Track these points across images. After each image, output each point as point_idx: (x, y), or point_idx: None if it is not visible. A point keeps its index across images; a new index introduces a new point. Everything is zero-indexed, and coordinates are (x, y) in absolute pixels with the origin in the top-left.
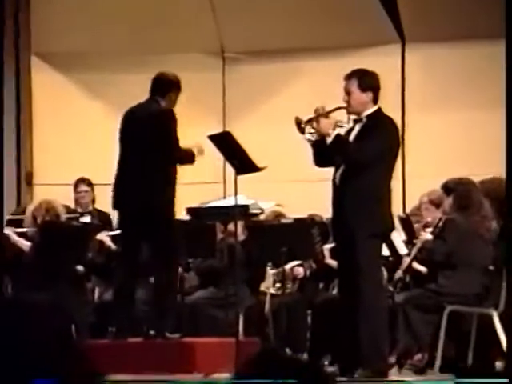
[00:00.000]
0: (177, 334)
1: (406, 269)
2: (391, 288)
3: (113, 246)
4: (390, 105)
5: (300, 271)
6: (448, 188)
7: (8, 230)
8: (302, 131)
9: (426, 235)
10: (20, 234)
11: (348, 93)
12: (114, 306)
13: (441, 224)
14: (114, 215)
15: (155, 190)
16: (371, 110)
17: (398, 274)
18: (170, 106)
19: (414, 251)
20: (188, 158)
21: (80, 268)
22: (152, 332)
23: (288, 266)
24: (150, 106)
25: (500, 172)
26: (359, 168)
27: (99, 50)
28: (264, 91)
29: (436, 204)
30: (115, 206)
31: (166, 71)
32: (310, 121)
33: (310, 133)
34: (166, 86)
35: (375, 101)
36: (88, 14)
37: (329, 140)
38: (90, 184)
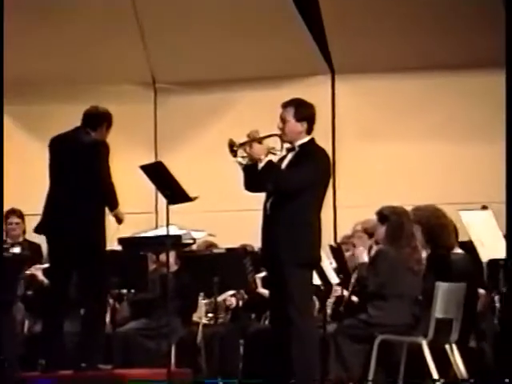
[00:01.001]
0: (108, 365)
1: (340, 298)
2: (328, 316)
3: (45, 280)
4: (320, 134)
5: (232, 301)
6: (383, 215)
7: None
8: (235, 154)
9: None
10: None
11: (283, 121)
12: (42, 337)
13: (372, 253)
14: (45, 246)
15: (86, 220)
16: (305, 139)
17: (330, 302)
18: (101, 138)
19: (353, 282)
20: (114, 197)
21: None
22: (83, 364)
23: (220, 297)
24: (81, 136)
25: (429, 201)
26: (289, 196)
27: (29, 81)
28: (196, 122)
29: (369, 233)
30: (39, 230)
31: (97, 105)
32: (243, 144)
33: (242, 156)
34: (97, 120)
35: (309, 131)
36: (19, 45)
37: (260, 165)
38: (21, 215)
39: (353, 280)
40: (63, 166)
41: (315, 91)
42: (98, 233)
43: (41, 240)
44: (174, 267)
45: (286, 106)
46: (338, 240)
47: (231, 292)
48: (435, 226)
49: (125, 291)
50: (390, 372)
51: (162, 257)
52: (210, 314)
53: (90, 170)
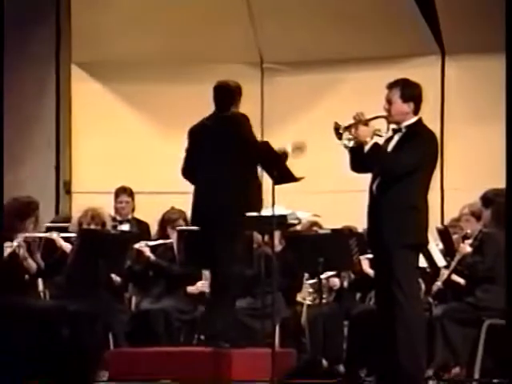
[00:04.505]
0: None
1: (446, 281)
2: (431, 299)
3: (152, 257)
4: (429, 116)
5: (336, 282)
6: (487, 199)
7: (54, 234)
8: (340, 137)
9: (466, 247)
10: (66, 239)
11: (389, 102)
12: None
13: (480, 237)
14: (154, 225)
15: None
16: (411, 120)
17: (437, 285)
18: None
19: (454, 264)
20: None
21: (117, 278)
22: (202, 337)
23: (324, 277)
24: (223, 114)
25: None
26: (396, 178)
27: (139, 60)
28: (302, 102)
29: (477, 216)
30: (193, 221)
31: (225, 81)
32: (348, 127)
33: (348, 139)
34: (231, 97)
35: (416, 112)
36: (128, 24)
37: (366, 148)
38: (131, 193)
39: (455, 261)
40: (211, 148)
41: (424, 72)
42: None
43: (149, 219)
44: (278, 247)
45: (391, 86)
46: (446, 223)
47: (334, 272)
48: None
49: None
50: (499, 357)
51: (267, 237)
52: (314, 295)
53: (240, 143)
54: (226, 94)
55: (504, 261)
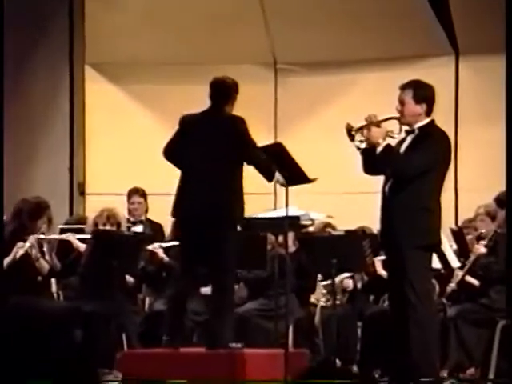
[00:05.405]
0: (238, 343)
1: (460, 282)
2: (445, 300)
3: (165, 258)
4: (442, 117)
5: (349, 283)
6: (501, 200)
7: (71, 236)
8: (352, 138)
9: (480, 248)
10: (81, 240)
11: (402, 103)
12: (167, 314)
13: (495, 238)
14: (167, 226)
15: (228, 197)
16: (424, 121)
17: (451, 286)
18: (232, 110)
19: (468, 265)
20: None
21: (130, 279)
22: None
23: (338, 278)
24: (219, 113)
25: None
26: (408, 180)
27: (152, 61)
28: (315, 103)
29: (492, 216)
30: (176, 215)
31: (222, 77)
32: (360, 128)
33: (360, 141)
34: (228, 93)
35: (429, 113)
36: (141, 25)
37: (378, 149)
38: (143, 194)
39: (469, 262)
40: (205, 144)
41: (438, 73)
42: (237, 209)
43: (162, 220)
44: (292, 248)
45: (404, 87)
46: (459, 223)
47: (348, 274)
48: None
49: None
50: None
51: (281, 238)
52: (327, 296)
53: (235, 147)
54: (222, 90)
55: (506, 261)
